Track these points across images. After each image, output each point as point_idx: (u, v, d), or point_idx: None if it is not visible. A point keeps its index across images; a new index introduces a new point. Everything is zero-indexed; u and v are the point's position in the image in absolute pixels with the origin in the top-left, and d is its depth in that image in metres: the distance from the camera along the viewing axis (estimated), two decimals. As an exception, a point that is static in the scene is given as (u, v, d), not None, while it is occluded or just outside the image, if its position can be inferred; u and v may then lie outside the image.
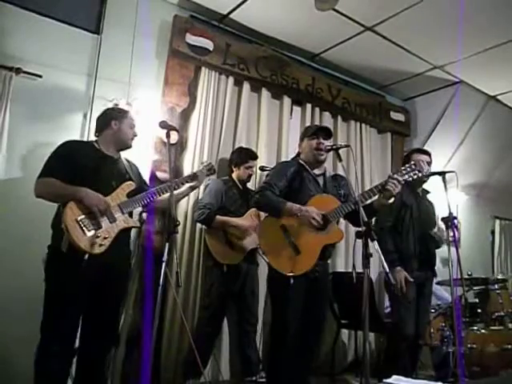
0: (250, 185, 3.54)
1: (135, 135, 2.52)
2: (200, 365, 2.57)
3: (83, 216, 2.17)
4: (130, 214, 2.38)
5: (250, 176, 3.46)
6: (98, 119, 2.51)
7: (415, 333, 3.03)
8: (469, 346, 3.30)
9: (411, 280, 2.95)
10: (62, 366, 2.16)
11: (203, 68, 3.69)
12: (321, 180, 2.64)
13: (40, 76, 2.99)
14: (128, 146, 2.51)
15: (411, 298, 3.02)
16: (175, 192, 2.46)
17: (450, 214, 2.97)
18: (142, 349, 2.04)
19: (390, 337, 3.11)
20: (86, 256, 2.13)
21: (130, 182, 2.41)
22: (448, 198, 2.92)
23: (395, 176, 2.46)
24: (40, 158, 2.93)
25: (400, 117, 5.06)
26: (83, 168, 2.28)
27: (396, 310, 3.08)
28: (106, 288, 2.25)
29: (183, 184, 2.58)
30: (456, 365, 2.69)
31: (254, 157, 3.51)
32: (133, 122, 2.52)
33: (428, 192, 3.33)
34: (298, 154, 2.75)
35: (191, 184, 2.61)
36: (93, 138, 3.07)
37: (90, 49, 3.26)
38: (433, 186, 3.38)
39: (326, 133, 2.65)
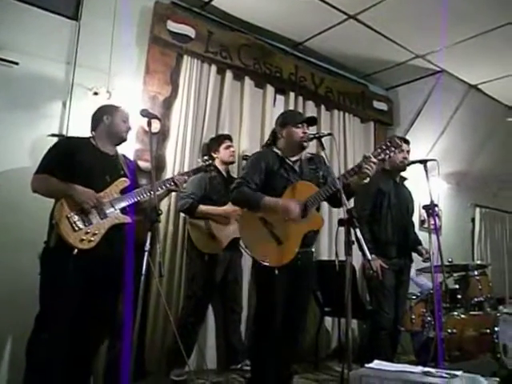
0: (232, 170, 3.55)
1: (129, 128, 2.54)
2: (184, 354, 2.57)
3: (74, 212, 2.23)
4: (123, 210, 2.38)
5: (232, 155, 3.46)
6: (92, 116, 2.53)
7: (394, 319, 3.08)
8: (449, 330, 3.37)
9: (386, 267, 2.99)
10: (53, 355, 2.16)
11: (185, 56, 3.64)
12: (297, 166, 2.59)
13: (16, 63, 2.90)
14: (122, 139, 2.52)
15: (389, 285, 3.06)
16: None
17: (432, 202, 3.01)
18: (127, 338, 2.05)
19: (371, 324, 3.16)
20: (75, 251, 2.18)
21: (124, 179, 2.43)
22: (429, 187, 2.96)
23: (371, 157, 2.42)
24: (18, 148, 2.90)
25: (383, 106, 5.10)
26: (79, 165, 2.32)
27: (375, 297, 3.12)
28: (100, 282, 2.29)
29: (179, 182, 2.59)
30: (436, 349, 2.74)
31: (228, 137, 3.51)
32: (126, 115, 2.53)
33: (405, 179, 3.36)
34: (273, 142, 2.66)
35: (171, 188, 2.60)
36: (72, 127, 3.07)
37: (68, 35, 3.17)
38: (414, 174, 3.42)
39: (313, 123, 2.62)
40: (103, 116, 2.49)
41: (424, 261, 3.30)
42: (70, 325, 2.21)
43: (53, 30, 3.12)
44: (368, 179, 2.46)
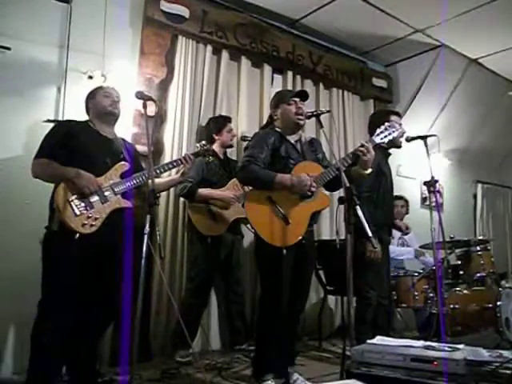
0: (229, 152, 3.53)
1: (114, 101, 2.47)
2: (187, 336, 2.59)
3: (74, 196, 2.21)
4: (124, 195, 2.36)
5: (233, 139, 3.45)
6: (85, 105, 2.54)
7: (382, 294, 3.06)
8: (451, 306, 3.39)
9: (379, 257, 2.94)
10: (58, 341, 2.17)
11: (180, 37, 3.59)
12: (298, 146, 2.58)
13: (8, 48, 2.86)
14: (110, 113, 2.46)
15: (380, 264, 2.99)
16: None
17: (432, 178, 2.98)
18: (127, 321, 2.05)
19: (358, 300, 3.05)
20: (77, 236, 2.17)
21: (124, 163, 2.41)
22: (430, 163, 2.93)
23: (365, 144, 2.40)
24: (12, 135, 2.88)
25: (382, 83, 5.03)
26: (79, 148, 2.30)
27: (365, 274, 2.93)
28: (102, 266, 2.28)
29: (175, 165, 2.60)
30: (438, 325, 2.74)
31: (229, 119, 3.48)
32: (107, 90, 2.50)
33: (390, 154, 3.24)
34: (271, 122, 2.65)
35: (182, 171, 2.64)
36: (67, 112, 3.04)
37: (60, 18, 3.11)
38: (415, 150, 3.38)
39: (304, 96, 2.57)
40: (88, 102, 2.50)
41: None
42: (74, 309, 2.21)
43: (44, 14, 3.06)
44: (370, 170, 2.44)
